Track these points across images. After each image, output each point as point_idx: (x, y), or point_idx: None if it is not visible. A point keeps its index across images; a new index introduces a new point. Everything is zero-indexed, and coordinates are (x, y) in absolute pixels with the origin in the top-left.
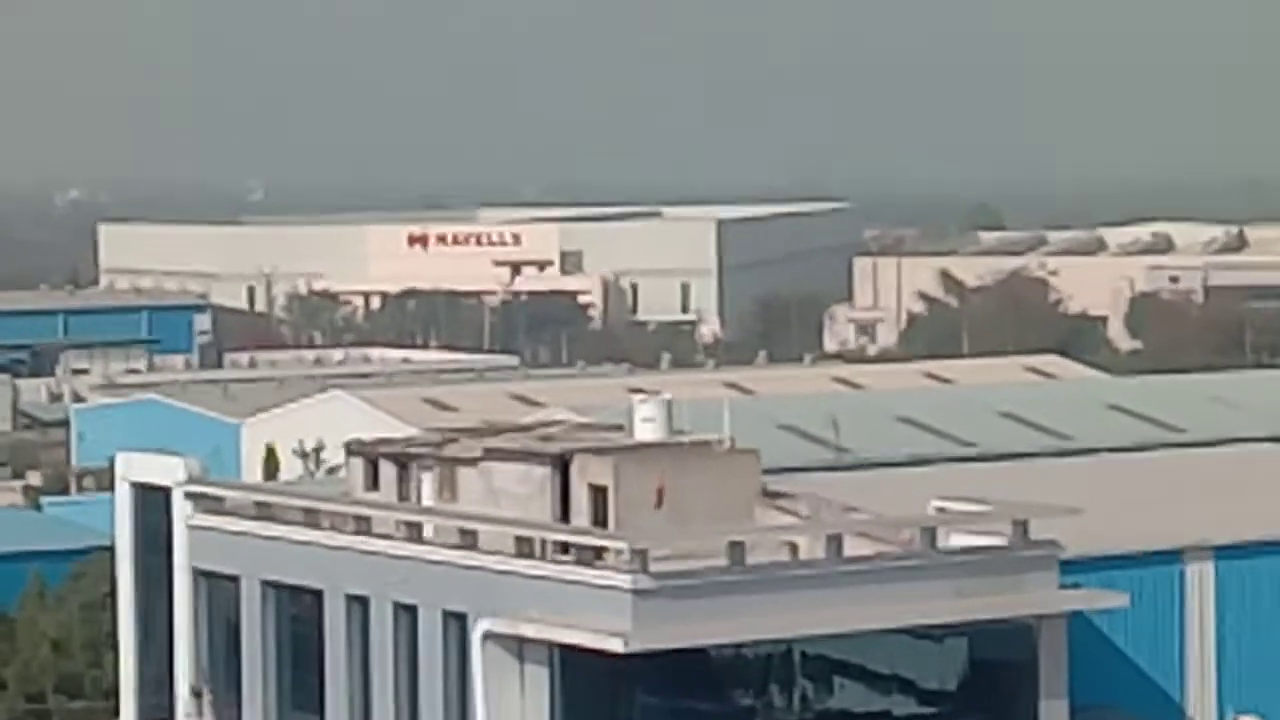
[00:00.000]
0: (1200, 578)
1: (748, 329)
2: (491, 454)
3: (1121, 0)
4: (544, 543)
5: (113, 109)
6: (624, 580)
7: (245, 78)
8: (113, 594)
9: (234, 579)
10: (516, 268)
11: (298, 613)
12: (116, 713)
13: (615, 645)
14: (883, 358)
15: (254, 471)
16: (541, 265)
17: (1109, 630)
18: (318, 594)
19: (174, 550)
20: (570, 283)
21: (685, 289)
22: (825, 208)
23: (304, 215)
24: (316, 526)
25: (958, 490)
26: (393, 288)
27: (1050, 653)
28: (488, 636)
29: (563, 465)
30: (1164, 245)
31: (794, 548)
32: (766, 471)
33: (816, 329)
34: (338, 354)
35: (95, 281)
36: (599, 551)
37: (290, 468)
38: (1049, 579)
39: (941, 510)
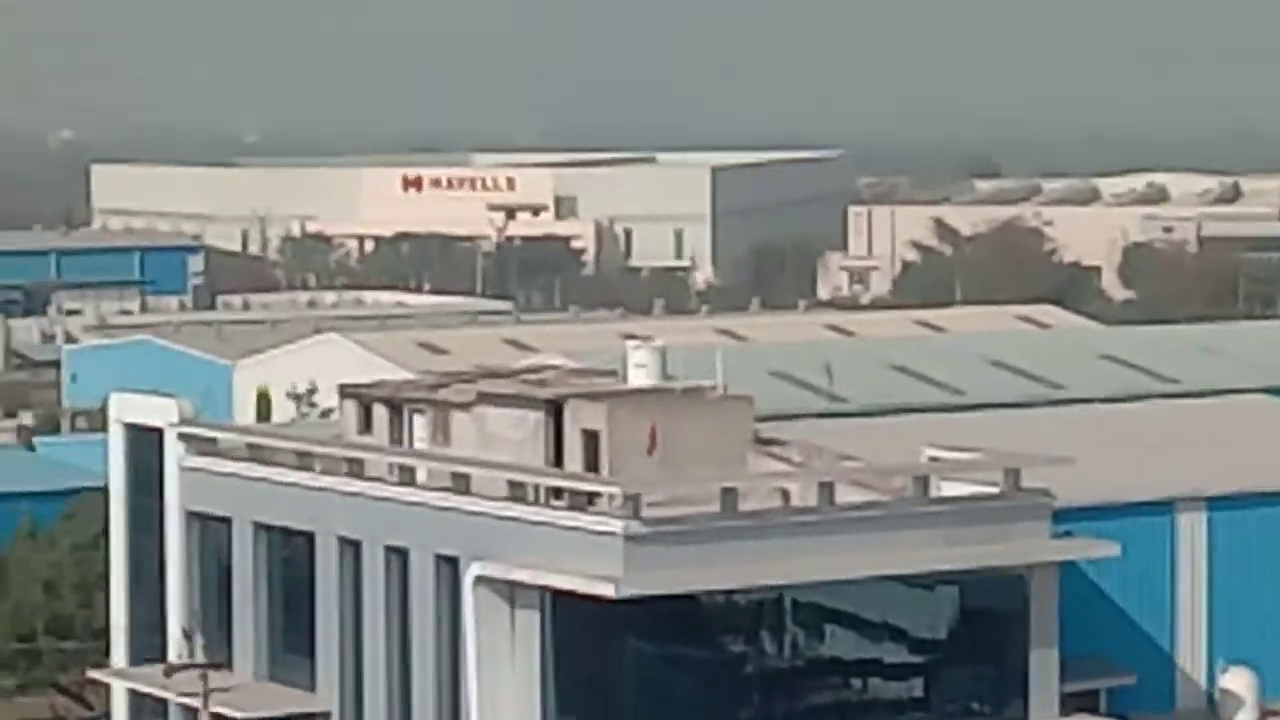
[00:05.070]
0: (1191, 528)
1: (741, 276)
2: (485, 398)
3: None
4: (537, 487)
5: (108, 49)
6: (616, 525)
7: (240, 20)
8: (105, 535)
9: (226, 521)
10: (511, 212)
11: (289, 555)
12: (107, 653)
13: (606, 590)
14: (876, 306)
15: (246, 413)
16: (536, 210)
17: (1100, 580)
18: (310, 536)
19: (166, 491)
20: (564, 228)
21: (679, 235)
22: (820, 155)
23: (298, 158)
24: (309, 469)
25: (950, 438)
26: (386, 231)
27: (1041, 601)
28: (479, 580)
29: (556, 410)
30: (1159, 196)
31: (786, 495)
32: (759, 418)
33: (810, 276)
34: (331, 296)
35: (88, 222)
36: (591, 496)
37: (283, 410)
38: (1040, 528)
39: (934, 458)
